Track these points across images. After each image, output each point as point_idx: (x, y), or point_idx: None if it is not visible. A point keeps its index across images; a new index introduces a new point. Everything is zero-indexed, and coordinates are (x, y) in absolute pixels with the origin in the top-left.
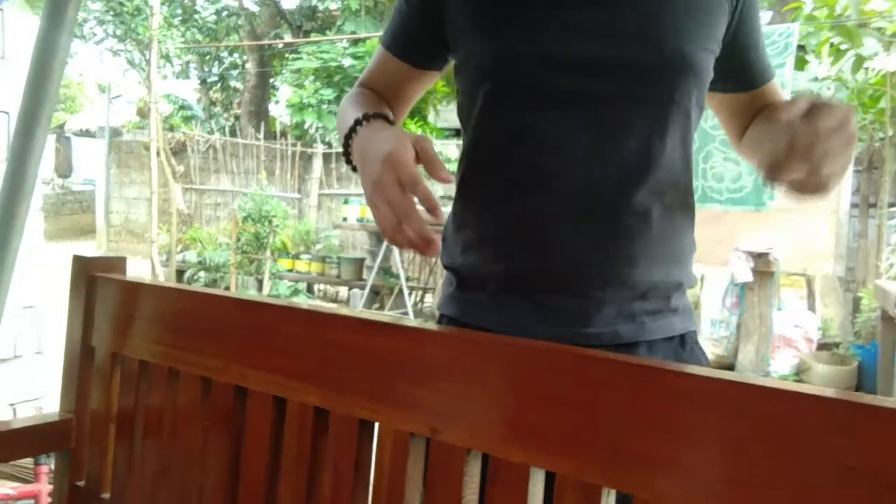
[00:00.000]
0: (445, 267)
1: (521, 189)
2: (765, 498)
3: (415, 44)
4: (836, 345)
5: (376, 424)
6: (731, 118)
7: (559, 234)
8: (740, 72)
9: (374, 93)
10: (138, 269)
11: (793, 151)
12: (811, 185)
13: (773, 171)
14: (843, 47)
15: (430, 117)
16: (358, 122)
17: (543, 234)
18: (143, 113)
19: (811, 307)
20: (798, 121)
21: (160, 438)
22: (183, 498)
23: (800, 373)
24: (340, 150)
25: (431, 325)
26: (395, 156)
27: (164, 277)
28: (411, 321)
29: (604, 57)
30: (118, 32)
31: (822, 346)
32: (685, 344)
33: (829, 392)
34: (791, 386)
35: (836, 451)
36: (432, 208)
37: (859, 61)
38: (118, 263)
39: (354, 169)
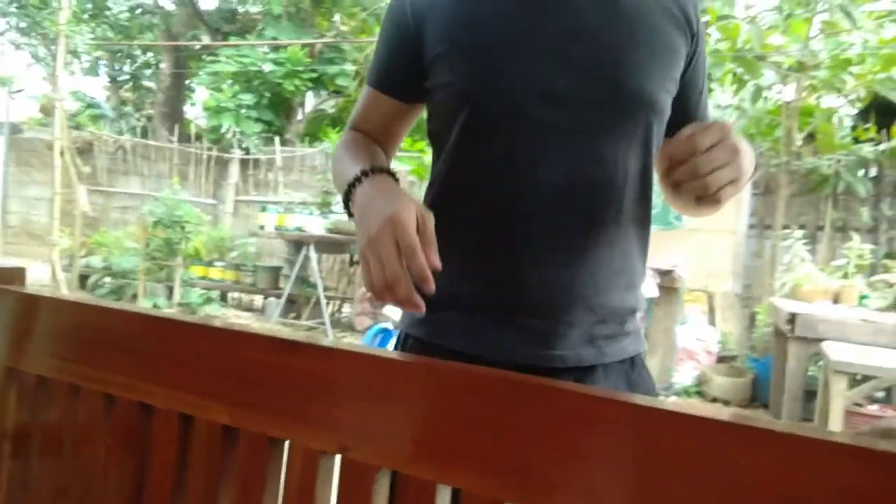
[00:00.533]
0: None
1: (494, 213)
2: None
3: (400, 78)
4: (734, 358)
5: (286, 443)
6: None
7: (532, 259)
8: (683, 114)
9: (367, 137)
10: (38, 274)
11: (676, 164)
12: (697, 190)
13: (666, 179)
14: (745, 78)
15: None
16: (363, 174)
17: (517, 257)
18: (47, 110)
19: (712, 322)
20: (682, 141)
21: (59, 457)
22: None
23: (700, 384)
24: (259, 156)
25: (343, 344)
26: (399, 219)
27: (65, 283)
28: (325, 339)
29: (575, 90)
30: (22, 25)
31: (721, 359)
32: (634, 366)
33: (721, 414)
34: (686, 408)
35: (728, 470)
36: (424, 281)
37: (758, 92)
38: (18, 274)
39: (351, 215)
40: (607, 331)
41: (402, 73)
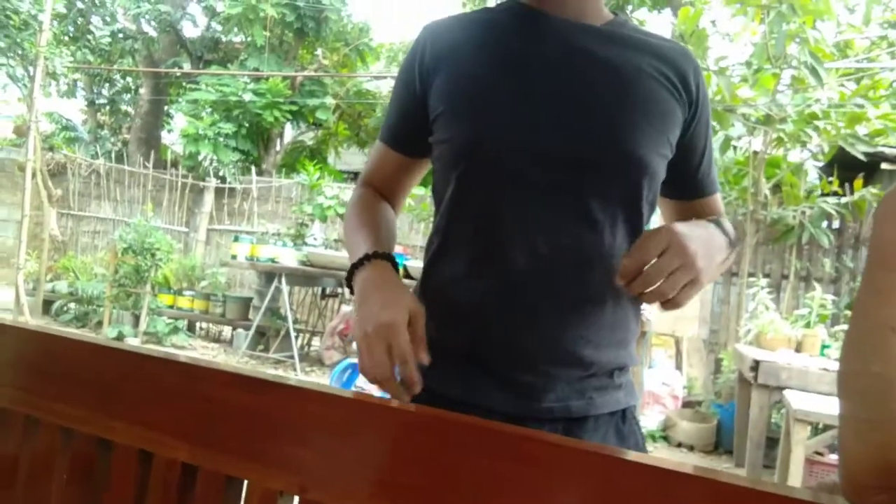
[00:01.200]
0: None
1: (486, 269)
2: None
3: (409, 135)
4: (699, 403)
5: (245, 482)
6: (669, 220)
7: (521, 315)
8: (683, 180)
9: (377, 196)
10: (1, 297)
11: (628, 275)
12: (657, 297)
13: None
14: (715, 127)
15: (331, 159)
16: (366, 258)
17: (507, 313)
18: (21, 131)
19: (678, 366)
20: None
21: (13, 490)
22: None
23: (666, 429)
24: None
25: (306, 383)
26: (392, 325)
27: (28, 307)
28: (288, 378)
29: (567, 152)
30: (1, 46)
31: (686, 404)
32: (625, 419)
33: (658, 462)
34: (626, 455)
35: None
36: (411, 386)
37: (727, 142)
38: None
39: (351, 290)
40: (597, 383)
41: (408, 129)
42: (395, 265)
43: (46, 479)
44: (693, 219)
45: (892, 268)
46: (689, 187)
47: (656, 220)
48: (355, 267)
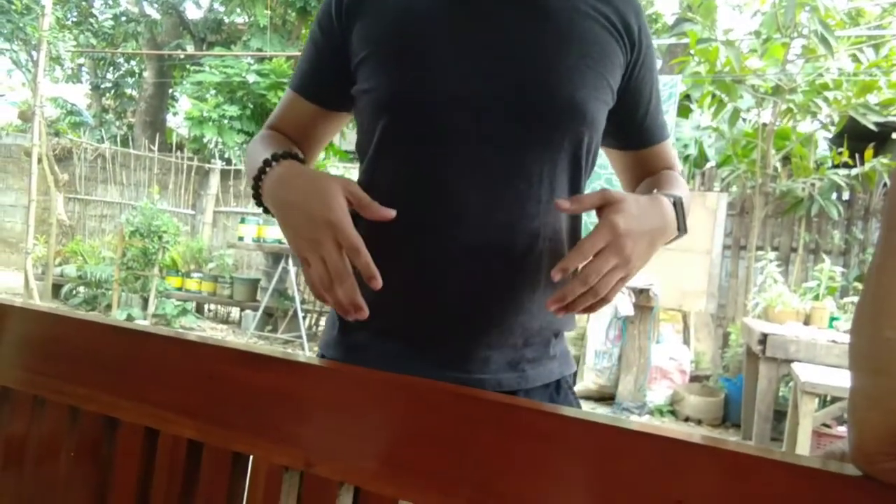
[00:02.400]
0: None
1: (415, 231)
2: None
3: (323, 84)
4: (707, 377)
5: (251, 458)
6: (620, 173)
7: (451, 280)
8: (628, 129)
9: (282, 135)
10: (11, 282)
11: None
12: (589, 298)
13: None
14: (724, 100)
15: (336, 139)
16: (267, 163)
17: (434, 279)
18: (26, 116)
19: (686, 341)
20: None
21: (21, 468)
22: None
23: (673, 403)
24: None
25: (311, 359)
26: (336, 221)
27: (38, 292)
28: (293, 354)
29: (497, 99)
30: (4, 31)
31: (694, 378)
32: (560, 389)
33: (664, 431)
34: (629, 425)
35: (669, 486)
36: (371, 277)
37: (735, 114)
38: None
39: (266, 210)
40: (531, 354)
41: (325, 78)
42: (304, 163)
43: (54, 457)
44: (643, 170)
45: None
46: (635, 136)
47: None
48: (258, 178)
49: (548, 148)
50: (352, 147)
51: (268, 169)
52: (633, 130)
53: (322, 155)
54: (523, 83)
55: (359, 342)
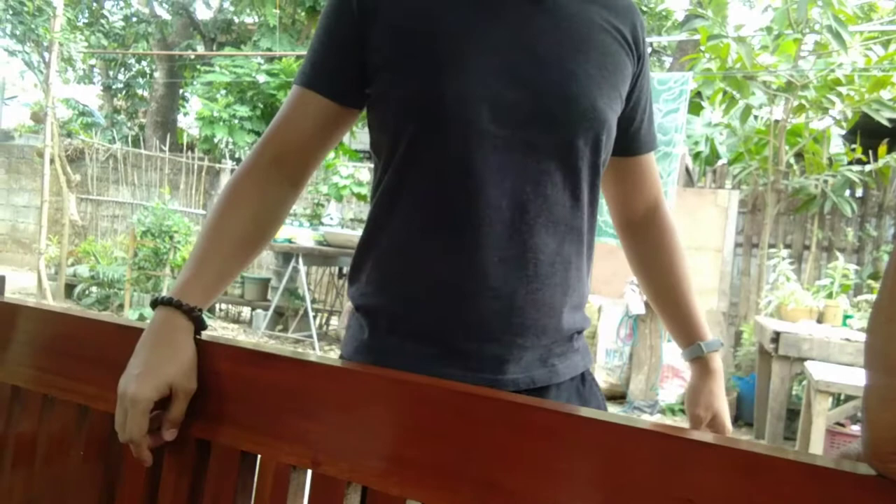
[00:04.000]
0: (356, 308)
1: (446, 236)
2: None
3: (340, 78)
4: None
5: (258, 456)
6: (608, 182)
7: (484, 283)
8: (626, 136)
9: (269, 180)
10: (24, 282)
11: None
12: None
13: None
14: (735, 96)
15: (346, 139)
16: (163, 302)
17: (468, 282)
18: (39, 117)
19: None
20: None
21: (31, 468)
22: None
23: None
24: None
25: (318, 358)
26: (136, 406)
27: (51, 292)
28: (300, 352)
29: (527, 106)
30: (17, 32)
31: None
32: (585, 381)
33: (670, 430)
34: (638, 423)
35: (676, 484)
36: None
37: (747, 111)
38: None
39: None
40: (559, 350)
41: (341, 71)
42: (195, 318)
43: (64, 456)
44: (633, 178)
45: None
46: (633, 143)
47: None
48: (158, 301)
49: (570, 154)
50: (362, 147)
51: (160, 305)
52: (632, 136)
53: (332, 154)
54: (550, 91)
55: (390, 347)
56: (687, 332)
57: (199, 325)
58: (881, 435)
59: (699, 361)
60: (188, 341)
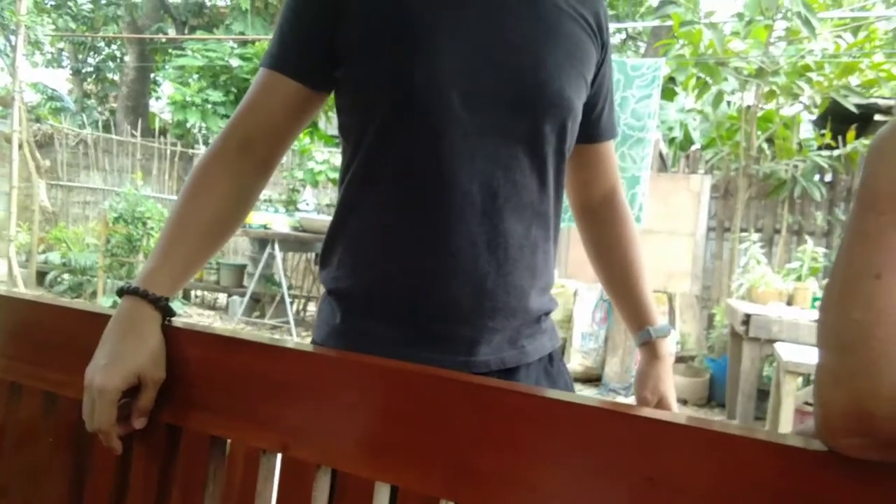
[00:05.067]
0: (328, 292)
1: (414, 218)
2: None
3: (308, 60)
4: (692, 358)
5: (228, 441)
6: (569, 170)
7: (455, 266)
8: (588, 122)
9: (239, 163)
10: None
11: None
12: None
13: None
14: (707, 82)
15: (321, 124)
16: (128, 291)
17: (439, 265)
18: (6, 102)
19: (672, 322)
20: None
21: (0, 457)
22: None
23: None
24: None
25: (287, 342)
26: (103, 396)
27: (22, 279)
28: (270, 337)
29: (497, 92)
30: None
31: (679, 359)
32: (553, 361)
33: (635, 410)
34: (604, 404)
35: (642, 463)
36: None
37: (719, 96)
38: None
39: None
40: (527, 331)
41: (311, 55)
42: (161, 308)
43: (33, 443)
44: (594, 165)
45: (882, 210)
46: (593, 129)
47: None
48: (123, 291)
49: (538, 140)
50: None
51: (126, 294)
52: (594, 123)
53: (307, 140)
54: (520, 77)
55: (363, 330)
56: (637, 318)
57: (167, 313)
58: (832, 411)
59: (648, 346)
60: (155, 330)
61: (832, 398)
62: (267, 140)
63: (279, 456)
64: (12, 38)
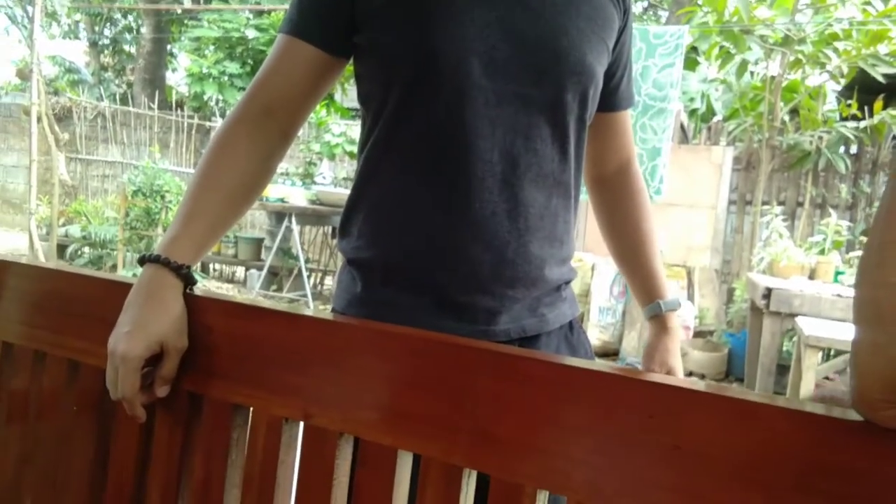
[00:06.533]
0: (349, 261)
1: (435, 187)
2: (605, 476)
3: (330, 26)
4: (711, 333)
5: (251, 409)
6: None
7: (476, 234)
8: (607, 90)
9: (260, 131)
10: (15, 243)
11: None
12: None
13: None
14: (731, 51)
15: (337, 96)
16: (152, 259)
17: (460, 233)
18: (24, 74)
19: (690, 297)
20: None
21: (24, 423)
22: (48, 484)
23: None
24: None
25: (306, 311)
26: (126, 364)
27: (43, 252)
28: (292, 306)
29: (518, 59)
30: None
31: (698, 334)
32: (573, 329)
33: (657, 378)
34: (627, 372)
35: (664, 430)
36: (135, 418)
37: (743, 66)
38: None
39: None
40: (548, 300)
41: (331, 20)
42: (183, 276)
43: (57, 411)
44: (610, 135)
45: None
46: (611, 97)
47: None
48: (145, 259)
49: (559, 108)
50: (353, 104)
51: (149, 262)
52: (609, 92)
53: (324, 112)
54: (541, 45)
55: (385, 299)
56: (648, 291)
57: (189, 282)
58: (870, 382)
59: (657, 319)
60: (177, 298)
61: (870, 368)
62: (287, 107)
63: (301, 424)
64: (29, 8)
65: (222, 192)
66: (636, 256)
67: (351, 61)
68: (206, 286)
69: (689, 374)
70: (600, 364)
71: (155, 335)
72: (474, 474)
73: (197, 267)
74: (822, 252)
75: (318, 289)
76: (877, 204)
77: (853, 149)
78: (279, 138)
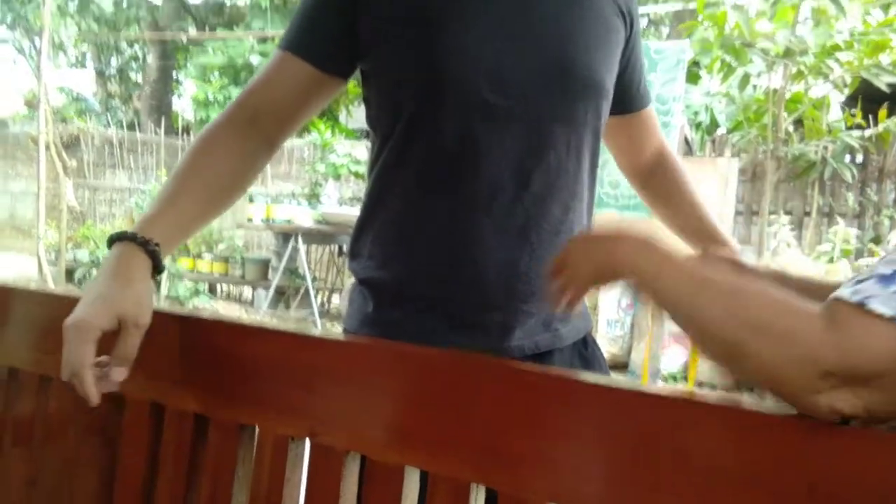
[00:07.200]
0: (360, 281)
1: (445, 205)
2: (614, 490)
3: (324, 42)
4: None
5: (256, 428)
6: (618, 142)
7: (488, 251)
8: (625, 95)
9: (241, 134)
10: (25, 268)
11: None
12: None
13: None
14: (733, 65)
15: (342, 118)
16: (123, 237)
17: (472, 251)
18: (32, 104)
19: None
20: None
21: (30, 447)
22: None
23: (687, 369)
24: None
25: (311, 330)
26: (79, 333)
27: (52, 277)
28: (296, 325)
29: (526, 75)
30: (7, 20)
31: None
32: (587, 344)
33: (666, 391)
34: (636, 386)
35: (675, 445)
36: (86, 397)
37: (745, 79)
38: None
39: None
40: (561, 315)
41: (329, 37)
42: (151, 253)
43: (62, 436)
44: (639, 133)
45: None
46: (633, 101)
47: None
48: (116, 238)
49: (573, 122)
50: (358, 126)
51: (118, 241)
52: (630, 97)
53: (329, 133)
54: (552, 60)
55: (396, 318)
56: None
57: (156, 262)
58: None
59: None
60: (143, 273)
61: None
62: (274, 116)
63: (307, 442)
64: (37, 40)
65: (198, 184)
66: (696, 218)
67: (357, 83)
68: (213, 306)
69: (700, 384)
70: (612, 379)
71: (113, 308)
72: (483, 489)
73: (205, 288)
74: (830, 260)
75: (325, 307)
76: (885, 212)
77: (859, 157)
78: (263, 144)
